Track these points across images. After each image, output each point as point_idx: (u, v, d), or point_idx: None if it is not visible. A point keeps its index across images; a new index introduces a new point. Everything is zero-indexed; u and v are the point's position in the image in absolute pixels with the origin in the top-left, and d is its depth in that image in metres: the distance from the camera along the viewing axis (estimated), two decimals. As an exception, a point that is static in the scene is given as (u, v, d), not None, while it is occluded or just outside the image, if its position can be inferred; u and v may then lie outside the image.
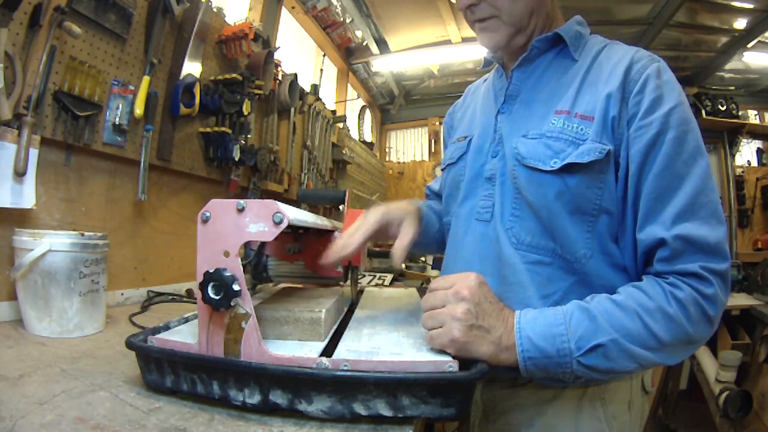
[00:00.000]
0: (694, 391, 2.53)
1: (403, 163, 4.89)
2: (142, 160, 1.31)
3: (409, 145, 5.08)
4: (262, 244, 0.86)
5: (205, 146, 1.62)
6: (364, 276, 2.14)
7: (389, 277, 2.16)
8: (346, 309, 0.85)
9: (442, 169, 0.90)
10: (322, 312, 0.62)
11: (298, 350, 0.58)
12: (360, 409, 0.52)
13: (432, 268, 2.72)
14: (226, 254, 0.53)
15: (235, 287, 0.52)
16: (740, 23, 3.18)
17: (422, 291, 1.11)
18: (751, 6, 2.96)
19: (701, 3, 2.91)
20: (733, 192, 4.31)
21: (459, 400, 0.51)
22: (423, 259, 3.02)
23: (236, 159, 1.66)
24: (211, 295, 0.52)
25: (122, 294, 1.27)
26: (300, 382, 0.52)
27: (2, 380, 0.60)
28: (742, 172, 4.36)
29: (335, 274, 0.83)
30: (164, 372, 0.58)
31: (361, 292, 1.06)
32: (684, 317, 0.58)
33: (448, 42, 3.43)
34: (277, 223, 0.52)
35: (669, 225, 0.59)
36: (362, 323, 0.73)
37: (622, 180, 0.64)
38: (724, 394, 1.93)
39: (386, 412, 0.51)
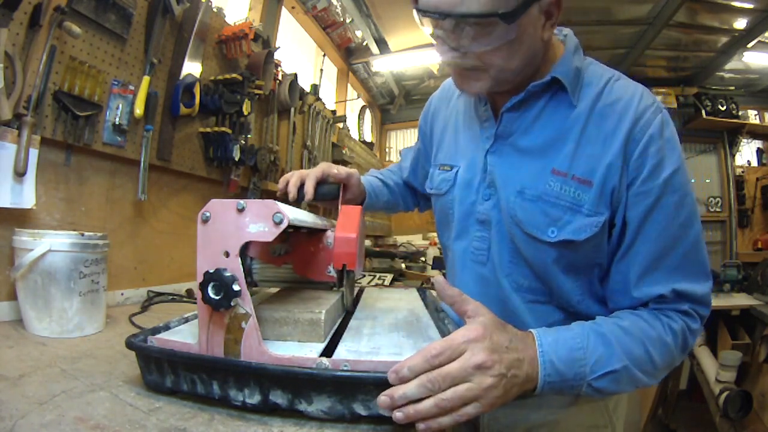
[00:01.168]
0: (694, 391, 2.52)
1: (403, 163, 4.88)
2: (142, 160, 1.31)
3: (408, 145, 5.07)
4: (246, 246, 0.82)
5: (205, 146, 1.62)
6: (364, 276, 2.14)
7: (389, 277, 2.16)
8: (345, 311, 0.85)
9: (429, 191, 0.89)
10: (322, 313, 0.62)
11: (298, 350, 0.57)
12: (360, 409, 0.52)
13: (432, 268, 2.72)
14: (226, 254, 0.53)
15: (235, 287, 0.52)
16: (740, 23, 3.18)
17: (422, 291, 1.10)
18: (751, 6, 2.96)
19: (701, 3, 2.91)
20: (733, 192, 4.31)
21: None
22: (423, 259, 3.02)
23: (236, 159, 1.65)
24: (211, 295, 0.52)
25: (122, 294, 1.27)
26: (300, 382, 0.52)
27: (2, 380, 0.60)
28: (742, 172, 4.36)
29: (327, 279, 0.77)
30: (164, 372, 0.58)
31: (361, 292, 1.06)
32: (674, 346, 0.64)
33: (448, 42, 3.42)
34: (278, 223, 0.52)
35: (665, 283, 0.64)
36: (362, 323, 0.73)
37: (615, 236, 0.67)
38: (724, 394, 1.93)
39: (386, 412, 0.51)
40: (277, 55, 2.00)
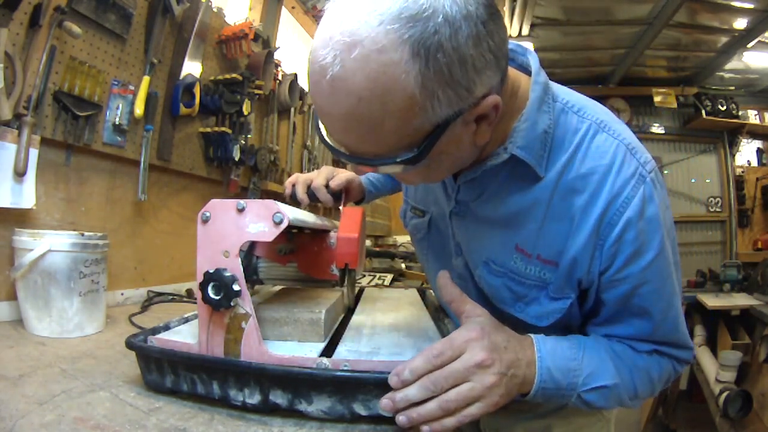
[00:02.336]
0: (694, 391, 2.52)
1: (403, 163, 4.88)
2: (142, 160, 1.31)
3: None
4: (253, 245, 0.83)
5: (205, 146, 1.62)
6: (364, 276, 2.14)
7: (389, 277, 2.16)
8: (345, 310, 0.85)
9: (404, 226, 0.86)
10: (322, 312, 0.62)
11: (298, 350, 0.58)
12: (360, 409, 0.52)
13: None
14: (226, 254, 0.53)
15: (235, 287, 0.52)
16: (740, 23, 3.18)
17: (422, 292, 1.10)
18: (751, 6, 2.96)
19: (701, 3, 2.91)
20: (733, 192, 4.31)
21: None
22: (423, 259, 3.02)
23: (236, 159, 1.65)
24: (211, 295, 0.52)
25: (122, 294, 1.27)
26: (300, 382, 0.52)
27: (2, 380, 0.60)
28: (742, 172, 4.36)
29: (330, 277, 0.79)
30: (164, 372, 0.58)
31: (361, 292, 1.06)
32: (657, 380, 0.64)
33: (448, 42, 3.42)
34: (278, 224, 0.53)
35: (650, 348, 0.63)
36: (362, 323, 0.73)
37: (589, 305, 0.63)
38: (724, 394, 1.92)
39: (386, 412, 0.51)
40: (277, 55, 2.00)
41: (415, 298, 1.02)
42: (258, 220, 0.53)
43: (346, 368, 0.52)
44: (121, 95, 1.23)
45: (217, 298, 0.52)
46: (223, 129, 1.59)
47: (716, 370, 2.11)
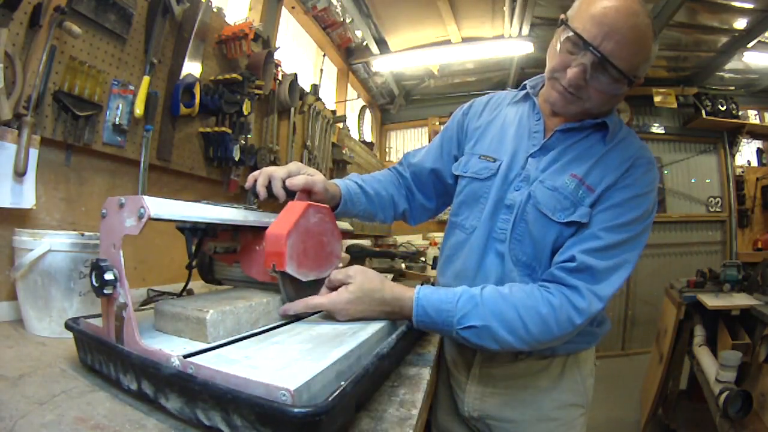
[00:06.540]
0: (694, 391, 2.52)
1: (403, 163, 4.88)
2: (142, 160, 1.31)
3: (409, 145, 5.08)
4: (200, 243, 0.78)
5: (205, 146, 1.62)
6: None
7: (389, 277, 2.15)
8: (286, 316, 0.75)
9: (461, 173, 1.00)
10: (209, 313, 0.60)
11: (171, 346, 0.56)
12: (202, 417, 0.48)
13: (432, 268, 2.72)
14: (115, 247, 0.57)
15: (107, 276, 0.55)
16: (740, 23, 3.18)
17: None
18: (751, 6, 2.97)
19: (701, 3, 2.91)
20: (733, 192, 4.32)
21: None
22: (423, 259, 3.02)
23: (236, 159, 1.65)
24: (93, 282, 0.56)
25: (122, 294, 1.27)
26: (156, 376, 0.52)
27: (2, 380, 0.61)
28: (742, 172, 4.37)
29: (270, 280, 0.72)
30: (86, 351, 0.63)
31: None
32: (551, 318, 0.75)
33: (448, 42, 3.43)
34: (140, 218, 0.54)
35: (577, 251, 0.78)
36: (292, 332, 0.67)
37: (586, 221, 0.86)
38: (724, 394, 1.92)
39: (223, 427, 0.47)
40: (277, 55, 2.00)
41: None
42: (131, 215, 0.56)
43: (190, 371, 0.49)
44: (121, 95, 1.23)
45: (96, 285, 0.56)
46: (223, 129, 1.59)
47: (716, 370, 2.11)
